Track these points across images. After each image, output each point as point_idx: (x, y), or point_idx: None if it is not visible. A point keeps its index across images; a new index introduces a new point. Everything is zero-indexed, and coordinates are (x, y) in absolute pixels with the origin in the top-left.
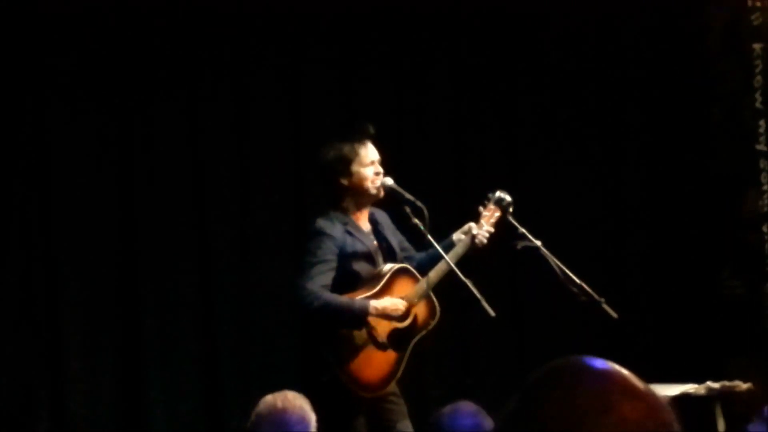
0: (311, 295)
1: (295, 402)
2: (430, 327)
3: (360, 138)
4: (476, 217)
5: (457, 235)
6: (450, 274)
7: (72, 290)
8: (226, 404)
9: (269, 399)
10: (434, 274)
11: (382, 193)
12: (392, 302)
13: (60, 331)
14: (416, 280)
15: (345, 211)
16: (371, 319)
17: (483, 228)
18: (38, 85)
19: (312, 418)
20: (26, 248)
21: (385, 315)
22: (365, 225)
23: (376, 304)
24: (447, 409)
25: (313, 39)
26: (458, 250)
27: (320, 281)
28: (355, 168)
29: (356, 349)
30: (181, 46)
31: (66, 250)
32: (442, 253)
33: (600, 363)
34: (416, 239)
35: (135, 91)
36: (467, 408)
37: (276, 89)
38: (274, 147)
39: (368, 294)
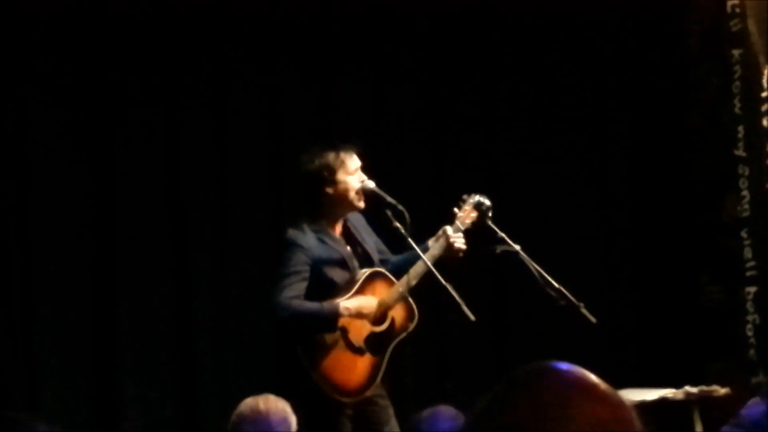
0: (280, 306)
1: (278, 404)
2: (408, 330)
3: (345, 147)
4: (452, 220)
5: (433, 240)
6: (429, 277)
7: (47, 293)
8: (205, 407)
9: (250, 401)
10: (411, 276)
11: (362, 205)
12: (364, 301)
13: (35, 342)
14: (391, 283)
15: (321, 220)
16: (346, 323)
17: (459, 231)
18: (19, 85)
19: (293, 420)
20: (2, 247)
21: (358, 314)
22: (338, 231)
23: (347, 304)
24: (426, 412)
25: (291, 43)
26: (434, 251)
27: (290, 292)
28: (340, 177)
29: (332, 354)
30: (161, 50)
31: (42, 251)
32: (422, 255)
33: (564, 366)
34: (397, 242)
35: (114, 97)
36: (446, 412)
37: (254, 95)
38: (253, 153)
39: (340, 299)
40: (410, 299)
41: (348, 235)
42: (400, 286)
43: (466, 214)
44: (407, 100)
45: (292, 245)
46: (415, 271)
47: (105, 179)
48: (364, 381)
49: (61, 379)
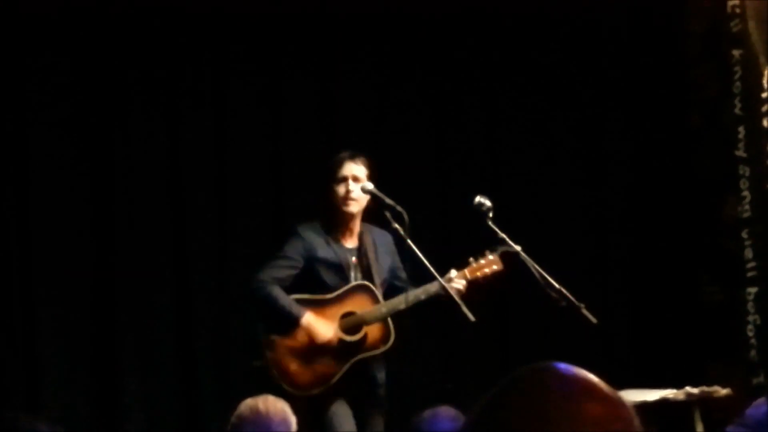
0: (258, 283)
1: (277, 404)
2: (378, 350)
3: (339, 156)
4: (464, 265)
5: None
6: (429, 278)
7: (47, 293)
8: (205, 407)
9: (250, 402)
10: (398, 300)
11: (354, 209)
12: (326, 329)
13: (35, 342)
14: (376, 300)
15: (330, 224)
16: (318, 317)
17: (463, 279)
18: (19, 85)
19: (293, 420)
20: (2, 247)
21: (310, 332)
22: (350, 240)
23: (311, 319)
24: (427, 413)
25: (292, 44)
26: (431, 288)
27: (273, 273)
28: (331, 185)
29: (295, 345)
30: (161, 50)
31: (42, 251)
32: (424, 260)
33: (564, 366)
34: (397, 243)
35: (114, 97)
36: (447, 412)
37: (254, 95)
38: (253, 153)
39: (319, 298)
40: (390, 323)
41: (360, 247)
42: (384, 306)
43: (479, 267)
44: (408, 100)
45: (295, 235)
46: (407, 298)
47: (105, 179)
48: (313, 380)
49: (61, 379)
